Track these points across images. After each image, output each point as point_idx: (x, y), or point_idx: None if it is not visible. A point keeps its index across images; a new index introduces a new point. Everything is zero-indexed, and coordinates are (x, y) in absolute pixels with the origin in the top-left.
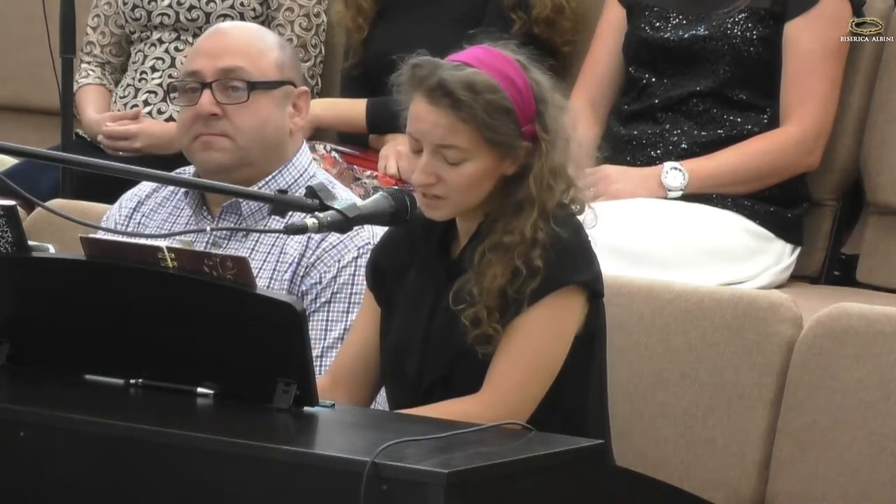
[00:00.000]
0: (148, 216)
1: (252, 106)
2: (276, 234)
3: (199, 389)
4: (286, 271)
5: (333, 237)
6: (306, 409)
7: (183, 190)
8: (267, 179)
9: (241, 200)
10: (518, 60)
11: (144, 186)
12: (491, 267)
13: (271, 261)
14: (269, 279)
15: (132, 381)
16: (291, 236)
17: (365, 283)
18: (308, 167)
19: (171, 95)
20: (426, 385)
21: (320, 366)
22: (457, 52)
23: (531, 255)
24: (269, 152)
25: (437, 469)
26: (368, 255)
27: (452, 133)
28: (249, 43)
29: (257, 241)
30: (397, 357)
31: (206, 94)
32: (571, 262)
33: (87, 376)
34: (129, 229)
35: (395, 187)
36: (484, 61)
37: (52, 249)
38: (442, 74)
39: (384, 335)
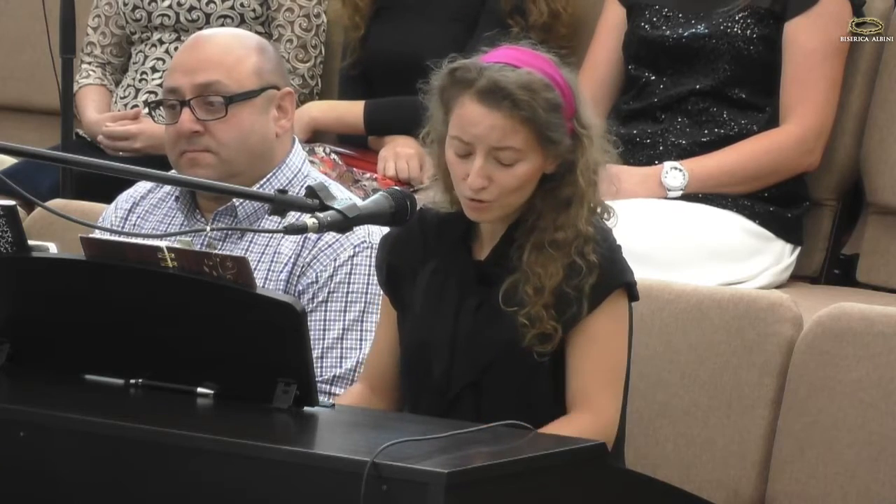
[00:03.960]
0: (143, 217)
1: (232, 119)
2: (270, 236)
3: (199, 389)
4: (281, 272)
5: (329, 236)
6: (306, 409)
7: (174, 196)
8: (261, 183)
9: (236, 205)
10: (552, 59)
11: (140, 188)
12: (546, 265)
13: (265, 262)
14: (264, 280)
15: (132, 381)
16: (286, 237)
17: (362, 280)
18: (302, 167)
19: (155, 112)
20: (455, 390)
21: (321, 367)
22: (486, 54)
23: (585, 249)
24: (255, 160)
25: (437, 469)
26: (376, 256)
27: (510, 134)
28: (225, 53)
29: (251, 242)
30: (420, 359)
31: (186, 112)
32: (620, 262)
33: (87, 376)
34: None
35: (395, 188)
36: (525, 61)
37: (52, 249)
38: (494, 76)
39: (401, 337)
